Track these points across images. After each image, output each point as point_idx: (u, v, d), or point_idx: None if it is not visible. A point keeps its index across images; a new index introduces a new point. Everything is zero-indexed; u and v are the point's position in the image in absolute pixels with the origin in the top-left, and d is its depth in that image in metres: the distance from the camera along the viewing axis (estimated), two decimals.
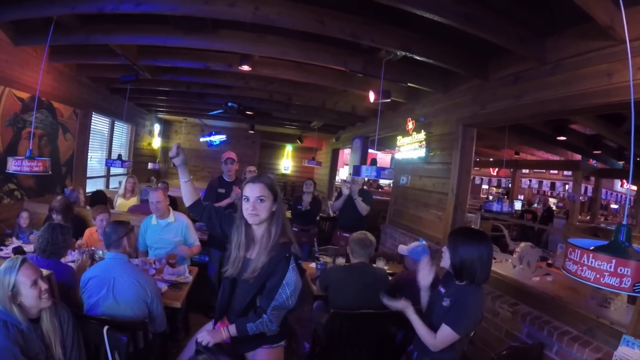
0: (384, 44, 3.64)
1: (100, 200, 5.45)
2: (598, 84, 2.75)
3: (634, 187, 9.28)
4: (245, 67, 4.52)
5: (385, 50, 3.91)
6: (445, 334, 2.04)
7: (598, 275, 1.40)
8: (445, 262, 2.17)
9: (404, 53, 3.68)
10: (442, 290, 2.23)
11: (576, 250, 1.49)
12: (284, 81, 5.58)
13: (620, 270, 1.35)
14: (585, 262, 1.44)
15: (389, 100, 4.65)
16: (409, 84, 4.62)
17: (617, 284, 1.37)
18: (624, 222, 1.49)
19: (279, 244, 2.01)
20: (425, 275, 2.29)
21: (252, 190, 2.01)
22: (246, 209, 2.01)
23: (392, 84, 4.80)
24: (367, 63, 4.18)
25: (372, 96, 4.54)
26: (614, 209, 12.44)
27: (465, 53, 3.84)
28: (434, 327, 2.10)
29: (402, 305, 2.23)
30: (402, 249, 3.24)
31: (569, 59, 3.02)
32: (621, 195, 12.84)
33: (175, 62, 4.98)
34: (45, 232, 2.82)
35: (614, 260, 1.37)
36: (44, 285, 1.92)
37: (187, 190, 2.30)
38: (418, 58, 3.71)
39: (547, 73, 3.22)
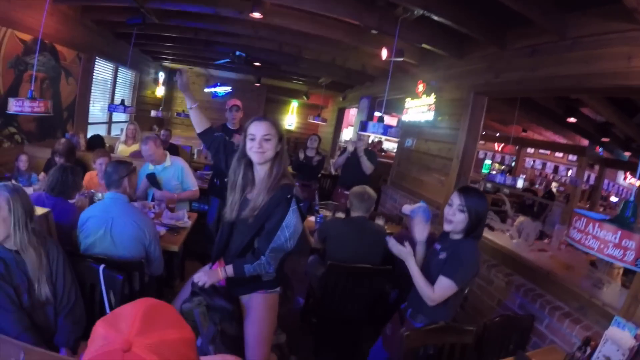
0: (402, 0, 3.52)
1: (98, 144, 5.42)
2: (617, 65, 2.68)
3: (637, 182, 9.23)
4: (257, 15, 4.37)
5: (402, 8, 3.78)
6: (443, 285, 2.04)
7: (602, 245, 1.40)
8: (458, 224, 2.11)
9: (422, 11, 3.56)
10: (438, 247, 2.25)
11: (582, 218, 1.48)
12: (295, 32, 5.40)
13: (625, 242, 1.36)
14: (591, 231, 1.44)
15: (402, 59, 4.53)
16: (423, 45, 4.50)
17: (620, 256, 1.37)
18: (631, 199, 1.48)
19: (280, 185, 1.99)
20: (420, 230, 2.30)
21: (258, 129, 1.98)
22: (251, 147, 1.98)
23: (405, 44, 4.67)
24: (383, 19, 4.05)
25: (384, 53, 4.43)
26: (614, 202, 12.40)
27: (485, 19, 3.71)
28: (431, 282, 2.10)
29: (406, 251, 2.19)
30: (406, 208, 3.26)
31: (589, 37, 2.93)
32: (623, 189, 12.78)
33: (184, 5, 4.80)
34: (56, 172, 2.85)
35: (619, 232, 1.37)
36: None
37: (195, 116, 2.31)
38: (436, 18, 3.60)
39: (566, 49, 3.13)
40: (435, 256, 2.20)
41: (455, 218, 2.10)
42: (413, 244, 2.32)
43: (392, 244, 2.28)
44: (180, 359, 0.81)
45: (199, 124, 2.31)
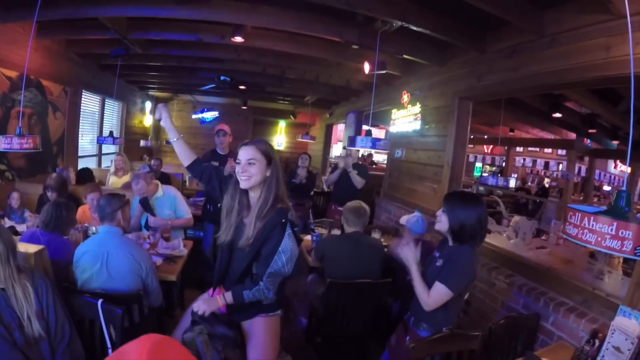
0: (380, 14, 3.55)
1: (87, 177, 5.39)
2: (596, 57, 2.73)
3: (628, 169, 9.30)
4: (238, 39, 4.41)
5: (381, 21, 3.84)
6: (438, 292, 2.07)
7: (599, 238, 1.40)
8: (443, 225, 2.18)
9: (400, 23, 3.61)
10: (437, 254, 2.28)
11: (577, 213, 1.48)
12: (278, 53, 5.47)
13: (622, 233, 1.35)
14: (586, 225, 1.44)
15: (384, 71, 4.59)
16: (404, 56, 4.56)
17: (618, 246, 1.36)
18: (624, 188, 1.48)
19: (275, 209, 1.97)
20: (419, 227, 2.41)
21: (243, 153, 1.97)
22: (237, 171, 1.97)
23: (387, 56, 4.73)
24: (363, 34, 4.10)
25: (367, 67, 4.47)
26: (607, 191, 12.48)
27: (463, 24, 3.77)
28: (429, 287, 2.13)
29: (411, 256, 2.22)
30: (404, 219, 3.28)
31: (567, 32, 2.99)
32: (614, 177, 12.89)
33: (167, 34, 4.86)
34: (50, 207, 2.83)
35: (615, 223, 1.36)
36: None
37: (180, 149, 2.23)
38: (414, 29, 3.64)
39: (545, 46, 3.19)
40: (433, 263, 2.24)
41: (441, 219, 2.19)
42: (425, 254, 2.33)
43: (401, 248, 2.28)
44: None
45: (185, 156, 2.23)
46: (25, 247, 2.30)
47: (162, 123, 2.26)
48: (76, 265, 2.56)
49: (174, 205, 3.89)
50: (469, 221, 2.10)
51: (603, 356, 2.05)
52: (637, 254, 1.35)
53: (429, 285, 2.13)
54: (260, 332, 2.11)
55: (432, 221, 2.41)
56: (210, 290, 2.28)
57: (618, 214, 1.39)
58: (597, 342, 2.11)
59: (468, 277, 2.13)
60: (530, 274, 3.12)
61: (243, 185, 1.97)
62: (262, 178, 1.98)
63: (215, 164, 4.21)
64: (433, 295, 2.09)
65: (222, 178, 2.21)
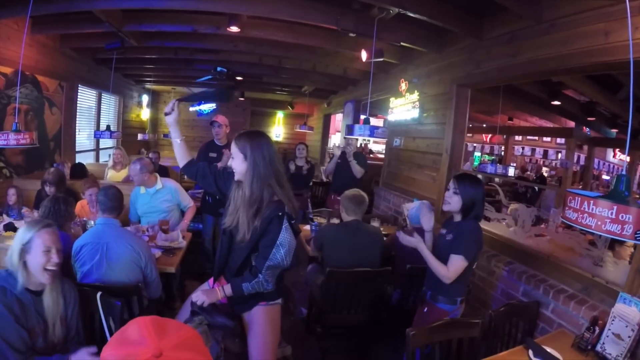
0: (377, 0, 3.53)
1: (81, 172, 5.37)
2: (595, 42, 2.70)
3: (628, 158, 9.27)
4: (234, 29, 4.36)
5: (377, 8, 3.79)
6: (456, 262, 2.27)
7: (599, 222, 1.39)
8: (453, 205, 2.39)
9: (397, 10, 3.56)
10: (444, 231, 2.49)
11: (577, 197, 1.47)
12: (274, 43, 5.42)
13: (622, 217, 1.34)
14: (586, 209, 1.43)
15: (382, 59, 4.55)
16: (402, 44, 4.51)
17: (618, 230, 1.36)
18: (624, 172, 1.47)
19: (272, 202, 1.98)
20: (427, 221, 2.53)
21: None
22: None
23: (384, 44, 4.69)
24: (359, 21, 4.05)
25: (364, 55, 4.44)
26: (606, 180, 12.45)
27: (460, 11, 3.73)
28: (443, 263, 2.32)
29: (416, 240, 2.41)
30: (407, 206, 3.33)
31: (565, 17, 2.96)
32: (613, 166, 12.85)
33: (162, 26, 4.80)
34: (48, 202, 2.84)
35: (615, 207, 1.35)
36: (54, 258, 1.83)
37: (180, 150, 2.28)
38: (411, 15, 3.59)
39: (543, 32, 3.16)
40: (442, 239, 2.45)
41: (452, 200, 2.39)
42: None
43: (402, 237, 2.48)
44: (204, 350, 0.87)
45: (183, 157, 2.29)
46: None
47: (168, 120, 2.24)
48: (75, 258, 2.57)
49: (176, 197, 3.89)
50: (478, 197, 2.36)
51: (603, 343, 2.05)
52: (638, 238, 1.35)
53: (443, 260, 2.32)
54: (261, 321, 2.12)
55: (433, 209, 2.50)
56: (211, 281, 2.29)
57: (618, 198, 1.39)
58: (597, 330, 2.11)
59: (478, 246, 2.38)
60: (530, 262, 3.12)
61: (235, 177, 2.03)
62: (243, 171, 1.98)
63: (213, 154, 4.22)
64: (451, 267, 2.27)
65: (216, 174, 2.23)
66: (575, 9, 2.86)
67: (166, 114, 2.23)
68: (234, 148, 2.00)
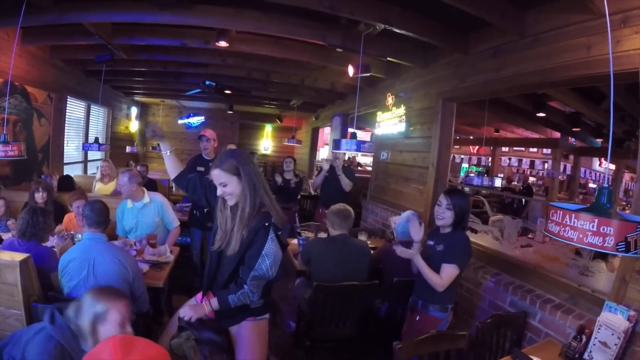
0: (363, 17, 3.57)
1: (68, 185, 5.33)
2: (577, 56, 2.77)
3: (612, 166, 9.41)
4: (223, 43, 4.40)
5: (364, 24, 3.84)
6: (449, 271, 2.41)
7: (581, 235, 1.40)
8: (447, 220, 2.51)
9: (383, 26, 3.62)
10: (431, 242, 2.62)
11: (558, 211, 1.49)
12: (263, 58, 5.47)
13: (603, 229, 1.35)
14: (568, 223, 1.44)
15: (369, 74, 4.60)
16: (388, 59, 4.58)
17: (600, 243, 1.37)
18: (605, 185, 1.50)
19: (259, 214, 1.99)
20: (416, 232, 2.51)
21: (214, 177, 2.02)
22: (218, 193, 2.03)
23: (371, 59, 4.75)
24: (346, 37, 4.11)
25: (351, 70, 4.49)
26: (592, 188, 12.63)
27: (446, 26, 3.80)
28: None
29: (412, 252, 2.46)
30: (394, 219, 3.33)
31: (548, 32, 3.03)
32: (599, 174, 13.05)
33: (151, 39, 4.82)
34: (25, 214, 2.75)
35: (596, 220, 1.37)
36: (129, 330, 1.72)
37: (170, 162, 2.31)
38: (398, 31, 3.65)
39: (527, 46, 3.23)
40: (432, 250, 2.56)
41: (445, 215, 2.51)
42: (396, 257, 2.57)
43: (401, 250, 2.49)
44: None
45: (174, 169, 2.33)
46: (11, 256, 2.27)
47: (156, 138, 2.32)
48: (62, 273, 2.53)
49: (161, 212, 3.85)
50: (467, 209, 2.52)
51: (590, 351, 2.08)
52: (620, 250, 1.37)
53: (434, 269, 2.44)
54: (248, 335, 2.11)
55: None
56: (199, 296, 2.28)
57: (599, 211, 1.40)
58: (584, 338, 2.14)
59: (469, 254, 2.53)
60: (516, 272, 3.16)
61: (229, 203, 2.03)
62: (239, 193, 1.99)
63: (201, 169, 4.21)
64: (444, 276, 2.40)
65: (206, 187, 2.24)
66: (558, 23, 2.93)
67: (150, 137, 2.31)
68: (222, 176, 1.97)
